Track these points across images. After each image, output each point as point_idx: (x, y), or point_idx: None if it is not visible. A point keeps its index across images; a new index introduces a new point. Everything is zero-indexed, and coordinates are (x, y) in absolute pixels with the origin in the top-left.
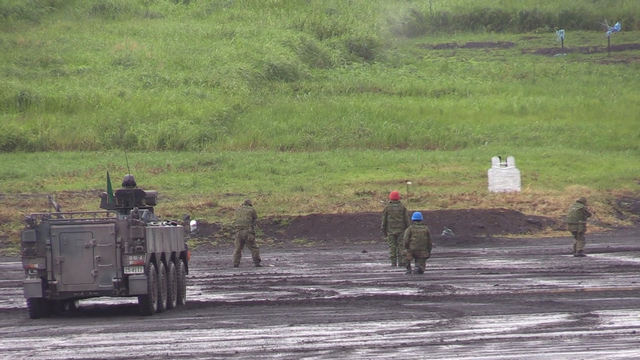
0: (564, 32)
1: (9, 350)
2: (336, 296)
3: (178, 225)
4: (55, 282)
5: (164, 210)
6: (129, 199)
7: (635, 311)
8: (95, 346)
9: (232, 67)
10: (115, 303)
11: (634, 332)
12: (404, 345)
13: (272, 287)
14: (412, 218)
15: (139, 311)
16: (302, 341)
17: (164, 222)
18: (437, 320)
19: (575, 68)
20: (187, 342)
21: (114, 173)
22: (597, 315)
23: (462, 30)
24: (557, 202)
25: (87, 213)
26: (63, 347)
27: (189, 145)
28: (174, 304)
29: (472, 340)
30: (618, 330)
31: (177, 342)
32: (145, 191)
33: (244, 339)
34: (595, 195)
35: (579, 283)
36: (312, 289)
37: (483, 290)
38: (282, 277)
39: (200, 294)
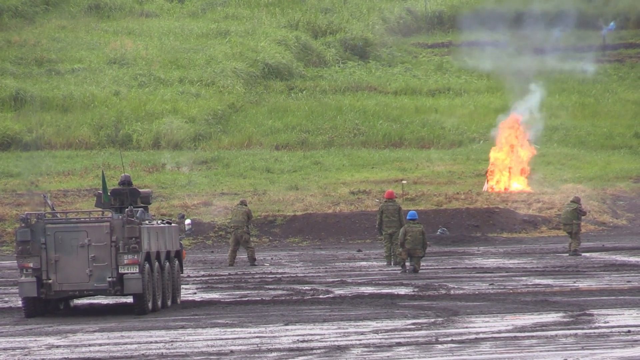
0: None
1: (4, 349)
2: (331, 295)
3: (173, 224)
4: (50, 281)
5: (159, 209)
6: (124, 198)
7: (630, 310)
8: (90, 345)
9: (227, 66)
10: (110, 302)
11: (629, 331)
12: (399, 344)
13: (267, 286)
14: (407, 217)
15: (134, 310)
16: (297, 340)
17: (159, 221)
18: (432, 320)
19: (570, 67)
20: (182, 341)
21: (109, 172)
22: (592, 315)
23: (458, 29)
24: (552, 201)
25: (82, 212)
26: (58, 347)
27: (184, 144)
28: (169, 303)
29: (467, 339)
30: (613, 329)
31: (172, 341)
32: (140, 190)
33: (239, 338)
34: (590, 194)
35: (574, 282)
36: (307, 288)
37: (478, 289)
38: (277, 276)
39: (195, 293)
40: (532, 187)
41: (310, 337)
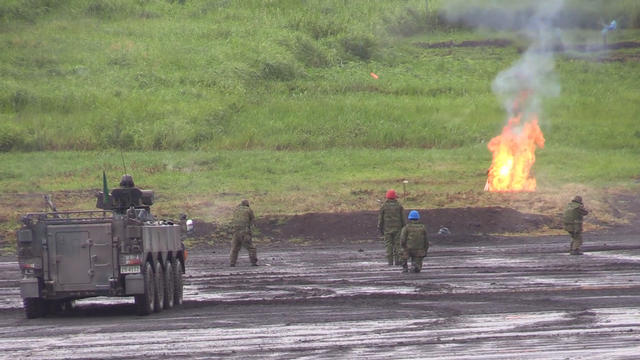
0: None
1: (6, 350)
2: (333, 295)
3: (174, 225)
4: (51, 282)
5: (160, 210)
6: (126, 198)
7: (632, 309)
8: (92, 346)
9: (228, 67)
10: (112, 303)
11: (630, 330)
12: (401, 344)
13: (268, 287)
14: (409, 217)
15: (136, 311)
16: (299, 340)
17: (161, 222)
18: (434, 319)
19: (571, 66)
20: (184, 341)
21: (110, 173)
22: (594, 314)
23: (458, 29)
24: (553, 200)
25: (83, 213)
26: (60, 347)
27: (185, 145)
28: (171, 303)
29: (469, 339)
30: (615, 329)
31: (174, 342)
32: (141, 190)
33: (240, 338)
34: (591, 193)
35: (576, 281)
36: (308, 288)
37: (480, 289)
38: (279, 276)
39: (197, 294)
40: (535, 187)
41: (312, 337)
